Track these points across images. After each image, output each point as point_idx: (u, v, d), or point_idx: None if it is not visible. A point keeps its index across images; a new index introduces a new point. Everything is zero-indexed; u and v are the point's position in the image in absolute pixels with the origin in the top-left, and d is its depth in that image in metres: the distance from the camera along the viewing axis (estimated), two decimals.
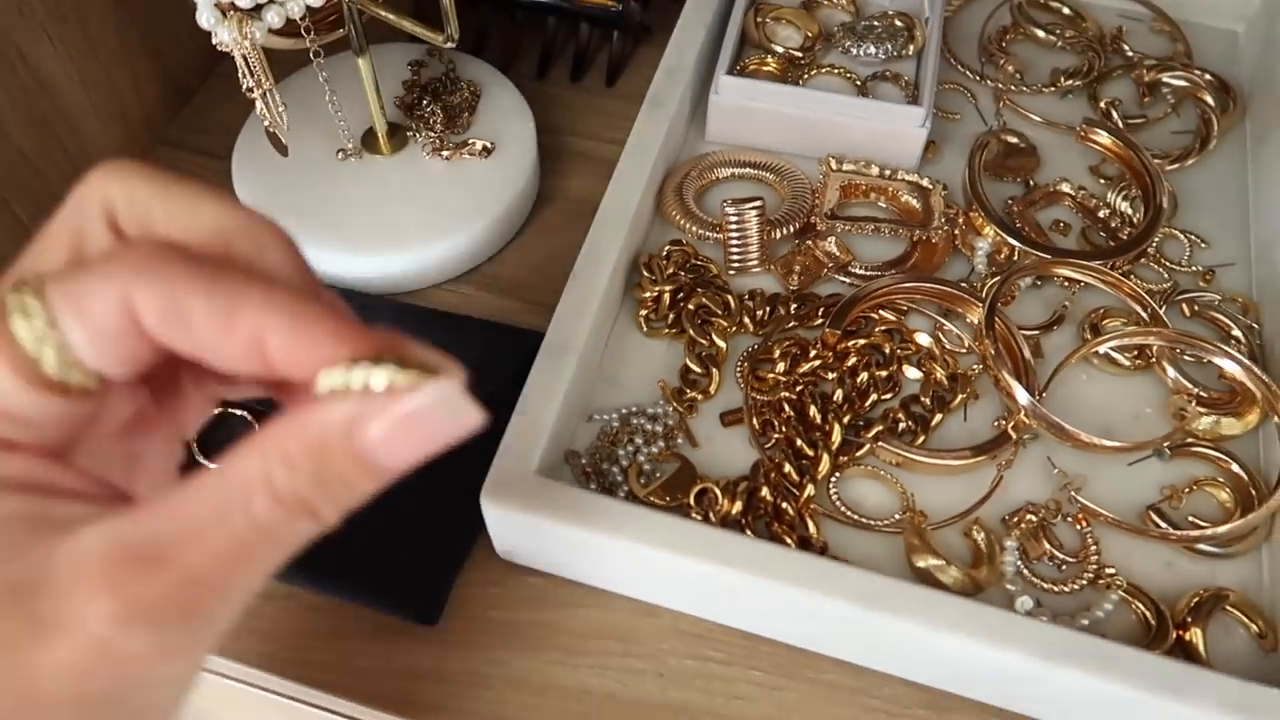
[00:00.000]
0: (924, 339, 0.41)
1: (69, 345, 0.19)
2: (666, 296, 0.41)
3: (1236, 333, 0.40)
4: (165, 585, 0.18)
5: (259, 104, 0.39)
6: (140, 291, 0.18)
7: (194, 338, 0.19)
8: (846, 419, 0.38)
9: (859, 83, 0.48)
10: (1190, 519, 0.36)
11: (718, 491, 0.37)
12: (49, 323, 0.18)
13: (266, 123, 0.39)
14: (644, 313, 0.41)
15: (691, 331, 0.41)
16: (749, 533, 0.36)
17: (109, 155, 0.47)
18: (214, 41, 0.36)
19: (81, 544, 0.19)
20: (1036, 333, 0.41)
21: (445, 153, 0.45)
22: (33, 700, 0.18)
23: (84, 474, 0.20)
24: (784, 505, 0.36)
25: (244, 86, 0.38)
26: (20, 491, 0.19)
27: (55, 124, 0.43)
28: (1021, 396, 0.37)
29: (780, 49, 0.48)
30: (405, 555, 0.36)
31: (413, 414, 0.18)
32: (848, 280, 0.43)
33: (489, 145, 0.46)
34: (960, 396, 0.39)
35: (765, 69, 0.47)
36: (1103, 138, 0.45)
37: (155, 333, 0.19)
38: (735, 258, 0.43)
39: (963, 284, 0.41)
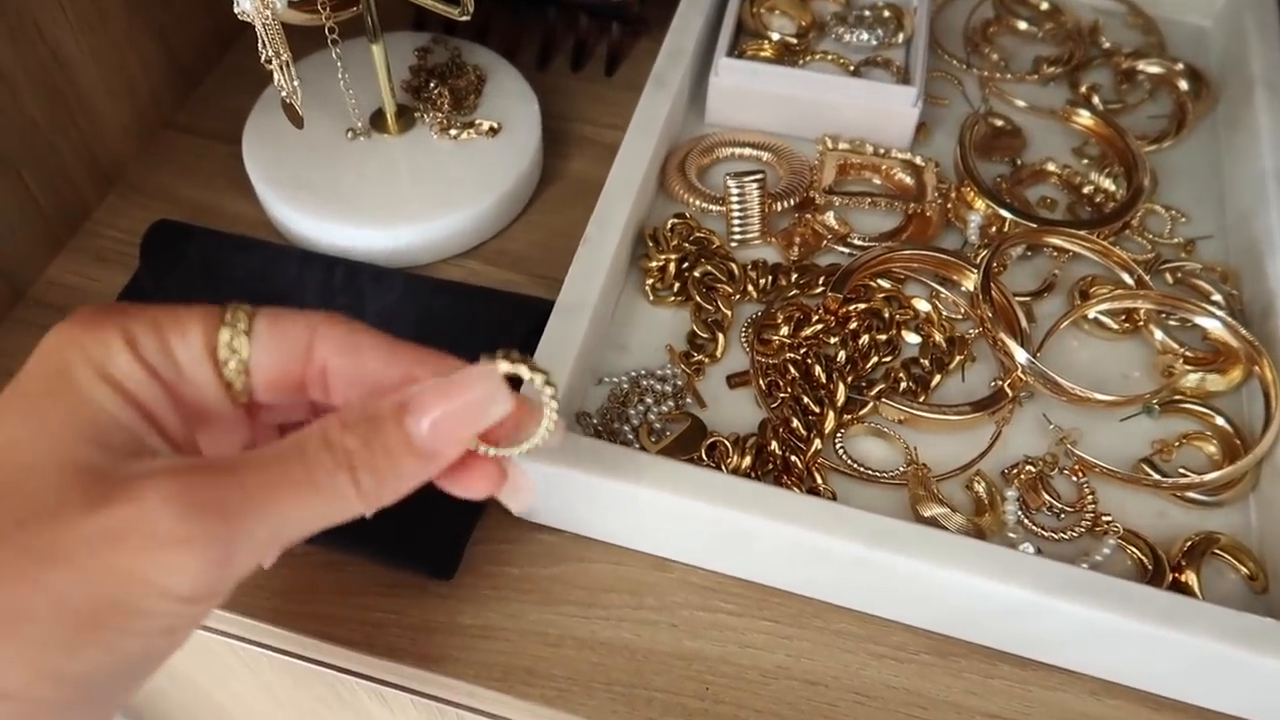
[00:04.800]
0: (922, 305, 0.42)
1: (248, 359, 0.25)
2: (672, 266, 0.43)
3: (1217, 297, 0.42)
4: (217, 488, 0.22)
5: (276, 75, 0.39)
6: (327, 328, 0.25)
7: (364, 367, 0.25)
8: (850, 379, 0.39)
9: (851, 68, 0.49)
10: (1180, 470, 0.38)
11: (728, 445, 0.38)
12: (246, 332, 0.25)
13: (284, 93, 0.40)
14: (650, 281, 0.43)
15: (698, 298, 0.42)
16: None
17: (119, 133, 0.48)
18: (236, 10, 0.37)
19: (156, 462, 0.23)
20: (1028, 299, 0.43)
21: (453, 132, 0.47)
22: (64, 554, 0.21)
23: (189, 435, 0.25)
24: (793, 459, 0.37)
25: (263, 58, 0.39)
26: (140, 413, 0.23)
27: (69, 98, 0.44)
28: (1019, 355, 0.39)
29: (776, 35, 0.50)
30: (421, 513, 0.37)
31: (455, 391, 0.24)
32: (846, 251, 0.44)
33: (495, 125, 0.47)
34: (958, 359, 0.41)
35: (762, 55, 0.49)
36: (1085, 117, 0.48)
37: (329, 358, 0.25)
38: (737, 229, 0.44)
39: (957, 252, 0.43)
